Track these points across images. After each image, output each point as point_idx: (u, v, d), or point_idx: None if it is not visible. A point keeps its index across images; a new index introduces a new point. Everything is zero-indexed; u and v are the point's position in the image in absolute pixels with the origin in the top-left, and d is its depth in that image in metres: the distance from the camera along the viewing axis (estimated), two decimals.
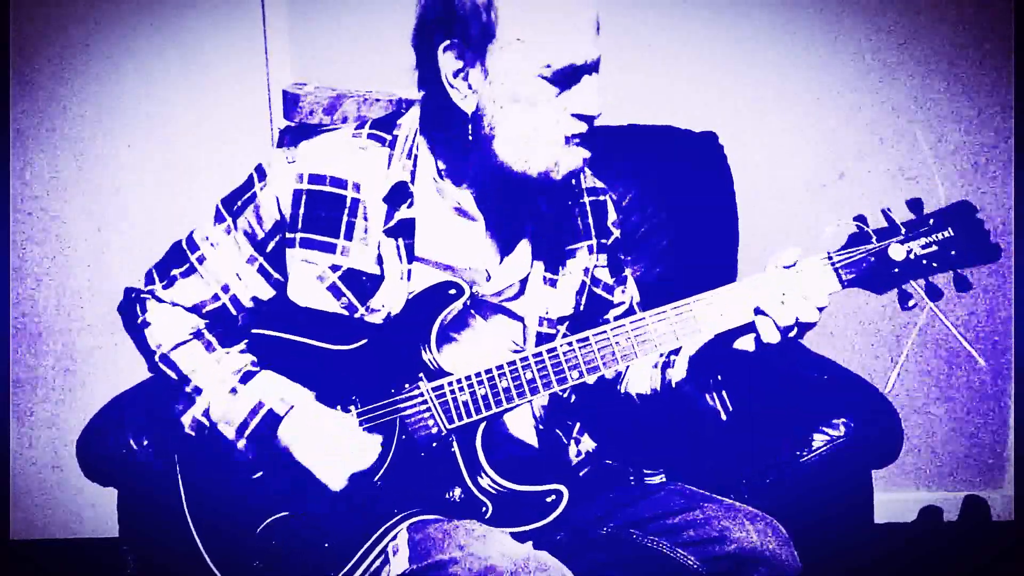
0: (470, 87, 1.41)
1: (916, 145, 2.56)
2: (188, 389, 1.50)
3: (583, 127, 1.41)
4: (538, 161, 1.41)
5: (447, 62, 1.41)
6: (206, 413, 1.49)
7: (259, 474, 1.48)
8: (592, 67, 1.41)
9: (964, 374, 2.69)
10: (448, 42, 1.40)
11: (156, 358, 1.53)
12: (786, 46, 2.50)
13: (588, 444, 1.68)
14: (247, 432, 1.46)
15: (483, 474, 1.45)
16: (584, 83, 1.40)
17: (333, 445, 1.44)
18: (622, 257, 1.71)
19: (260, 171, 1.53)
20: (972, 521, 2.69)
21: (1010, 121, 2.54)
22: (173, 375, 1.52)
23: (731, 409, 1.52)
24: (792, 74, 2.52)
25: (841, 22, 2.50)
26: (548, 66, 1.37)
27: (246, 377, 1.49)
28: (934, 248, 1.35)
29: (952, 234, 1.35)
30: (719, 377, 1.50)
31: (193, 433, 1.50)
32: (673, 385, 1.53)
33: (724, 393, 1.52)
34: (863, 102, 2.54)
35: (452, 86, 1.42)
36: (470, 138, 1.44)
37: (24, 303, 2.62)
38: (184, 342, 1.53)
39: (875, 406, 1.79)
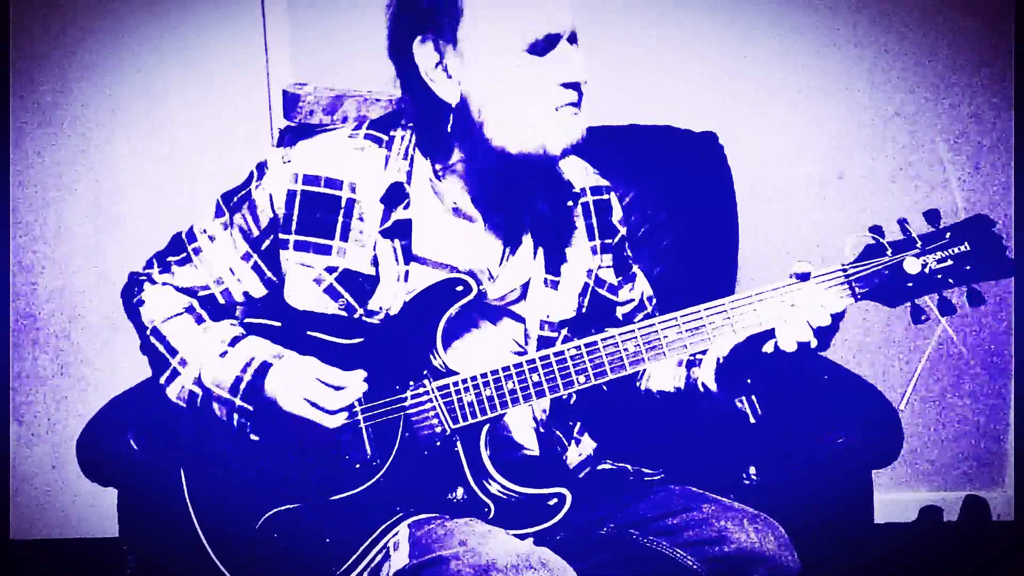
0: (449, 76, 1.41)
1: (914, 147, 2.56)
2: (174, 361, 1.51)
3: (573, 95, 1.40)
4: (532, 137, 1.40)
5: (423, 56, 1.41)
6: (198, 381, 1.49)
7: (255, 437, 1.48)
8: (569, 37, 1.40)
9: (964, 374, 2.69)
10: (420, 36, 1.40)
11: (148, 332, 1.53)
12: (786, 46, 2.50)
13: (588, 444, 1.68)
14: (241, 388, 1.46)
15: (486, 476, 1.45)
16: (562, 49, 1.39)
17: (316, 384, 1.41)
18: (628, 254, 1.71)
19: (260, 169, 1.53)
20: (972, 521, 2.68)
21: (1010, 122, 2.54)
22: (162, 348, 1.52)
23: (760, 413, 1.51)
24: (792, 74, 2.52)
25: (841, 22, 2.50)
26: (523, 38, 1.37)
27: (235, 341, 1.50)
28: (949, 263, 1.33)
29: (968, 248, 1.33)
30: (749, 381, 1.49)
31: (183, 404, 1.50)
32: (699, 386, 1.53)
33: (754, 397, 1.51)
34: (864, 102, 2.54)
35: (432, 79, 1.42)
36: (450, 129, 1.43)
37: (24, 302, 2.62)
38: (175, 315, 1.53)
39: (875, 406, 1.79)
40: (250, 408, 1.46)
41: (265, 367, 1.45)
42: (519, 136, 1.40)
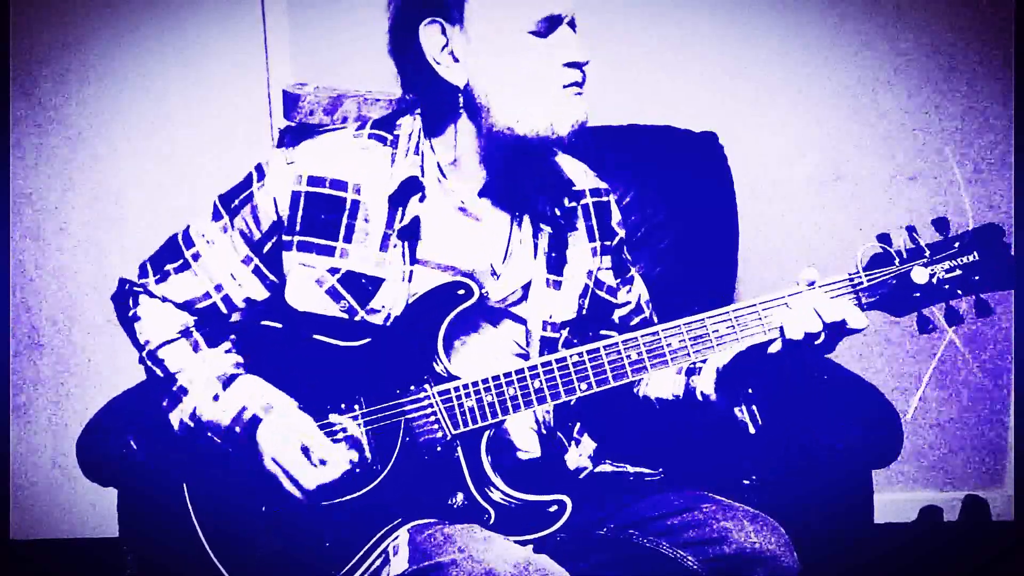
0: (456, 59, 1.43)
1: (914, 147, 2.56)
2: (174, 388, 1.51)
3: (576, 74, 1.43)
4: (539, 117, 1.42)
5: (430, 39, 1.43)
6: (193, 416, 1.49)
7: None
8: (570, 21, 1.43)
9: (964, 374, 2.69)
10: (427, 20, 1.42)
11: (144, 354, 1.54)
12: (786, 46, 2.50)
13: (588, 445, 1.68)
14: (234, 438, 1.46)
15: (487, 482, 1.45)
16: (564, 31, 1.42)
17: (297, 454, 1.41)
18: (627, 257, 1.71)
19: (259, 170, 1.53)
20: (972, 521, 2.68)
21: (1010, 122, 2.54)
22: (160, 372, 1.52)
23: (760, 423, 1.50)
24: (792, 74, 2.52)
25: (841, 22, 2.50)
26: (527, 18, 1.40)
27: (227, 382, 1.49)
28: (958, 273, 1.33)
29: (977, 258, 1.32)
30: (750, 391, 1.48)
31: (181, 434, 1.51)
32: (698, 394, 1.52)
33: (755, 407, 1.50)
34: (863, 102, 2.54)
35: (439, 63, 1.43)
36: (461, 111, 1.45)
37: (24, 303, 2.62)
38: (172, 340, 1.53)
39: (875, 406, 1.79)
40: (240, 457, 1.47)
41: (256, 421, 1.45)
42: (526, 116, 1.42)
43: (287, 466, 1.42)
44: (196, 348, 1.53)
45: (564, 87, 1.42)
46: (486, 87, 1.43)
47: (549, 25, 1.41)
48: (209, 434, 1.48)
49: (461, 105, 1.45)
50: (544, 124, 1.42)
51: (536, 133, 1.43)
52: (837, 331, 1.34)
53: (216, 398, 1.48)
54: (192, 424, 1.49)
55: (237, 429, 1.46)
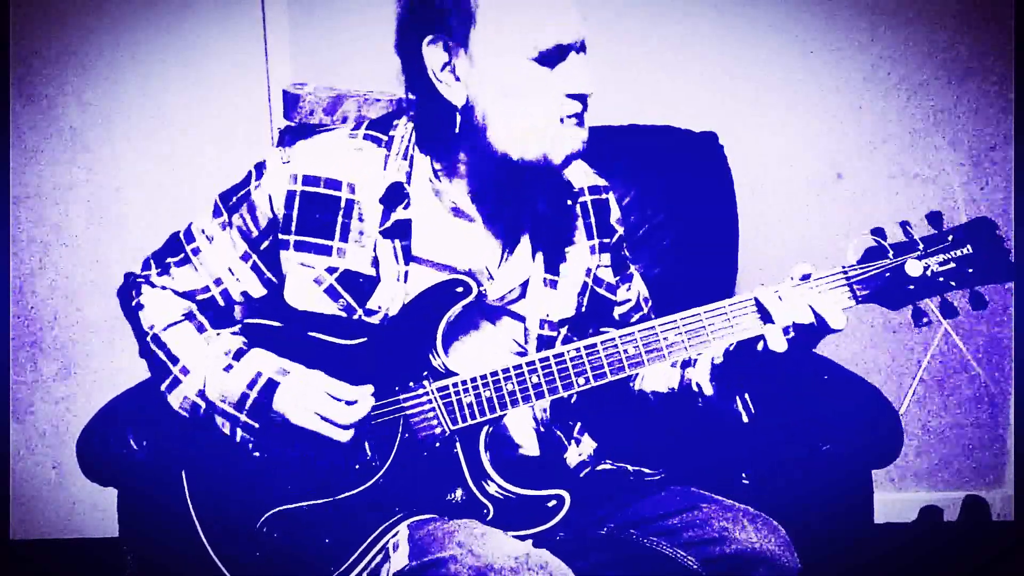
0: (457, 78, 1.42)
1: (913, 147, 2.56)
2: (175, 369, 1.51)
3: (578, 106, 1.41)
4: (535, 145, 1.41)
5: (432, 56, 1.42)
6: (201, 393, 1.49)
7: (257, 454, 1.49)
8: (579, 47, 1.41)
9: (964, 374, 2.69)
10: (431, 36, 1.41)
11: (148, 339, 1.54)
12: (786, 46, 2.50)
13: (588, 444, 1.68)
14: (248, 404, 1.46)
15: (485, 477, 1.46)
16: (571, 61, 1.40)
17: (327, 399, 1.43)
18: (626, 254, 1.71)
19: (258, 169, 1.53)
20: (972, 521, 2.68)
21: (1010, 122, 2.54)
22: (162, 355, 1.52)
23: (753, 412, 1.50)
24: (792, 74, 2.52)
25: (841, 22, 2.50)
26: (533, 47, 1.38)
27: (239, 354, 1.50)
28: (952, 265, 1.33)
29: (971, 251, 1.33)
30: (742, 382, 1.49)
31: (186, 414, 1.51)
32: (694, 386, 1.53)
33: (747, 396, 1.51)
34: (863, 102, 2.54)
35: (440, 80, 1.42)
36: (457, 131, 1.44)
37: (24, 303, 2.62)
38: (175, 323, 1.54)
39: (875, 405, 1.79)
40: (255, 425, 1.47)
41: (272, 385, 1.46)
42: (522, 143, 1.41)
43: (323, 411, 1.43)
44: (201, 329, 1.54)
45: (564, 119, 1.41)
46: (484, 110, 1.41)
47: (556, 54, 1.39)
48: (223, 403, 1.48)
49: (458, 122, 1.44)
50: (539, 153, 1.41)
51: (531, 160, 1.42)
52: (817, 326, 1.34)
53: (228, 368, 1.48)
54: (200, 401, 1.49)
55: (253, 395, 1.46)
